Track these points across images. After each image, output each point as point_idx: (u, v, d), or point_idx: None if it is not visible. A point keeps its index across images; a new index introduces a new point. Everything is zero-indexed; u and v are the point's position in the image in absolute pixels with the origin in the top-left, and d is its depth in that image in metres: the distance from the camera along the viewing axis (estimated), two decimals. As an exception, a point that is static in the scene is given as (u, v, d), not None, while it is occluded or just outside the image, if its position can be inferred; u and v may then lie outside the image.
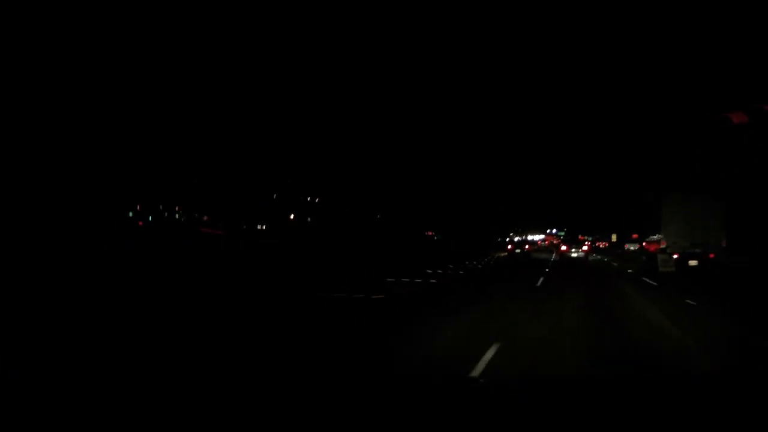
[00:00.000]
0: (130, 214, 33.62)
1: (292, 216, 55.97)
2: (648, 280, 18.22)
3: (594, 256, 48.59)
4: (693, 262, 19.67)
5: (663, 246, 20.80)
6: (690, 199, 20.43)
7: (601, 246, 77.81)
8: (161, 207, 41.03)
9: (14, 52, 18.88)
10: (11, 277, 11.28)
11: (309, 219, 57.23)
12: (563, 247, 57.02)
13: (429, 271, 20.86)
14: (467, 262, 30.62)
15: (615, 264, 33.42)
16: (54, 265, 14.22)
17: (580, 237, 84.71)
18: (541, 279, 19.54)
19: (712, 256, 19.48)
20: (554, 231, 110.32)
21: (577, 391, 2.42)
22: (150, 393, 2.05)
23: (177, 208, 45.59)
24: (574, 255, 48.41)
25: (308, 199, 56.96)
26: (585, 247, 54.39)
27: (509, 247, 68.50)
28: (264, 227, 49.47)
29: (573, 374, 5.54)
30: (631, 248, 59.11)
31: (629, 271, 23.87)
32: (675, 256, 19.86)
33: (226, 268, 17.95)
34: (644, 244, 35.83)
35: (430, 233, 70.34)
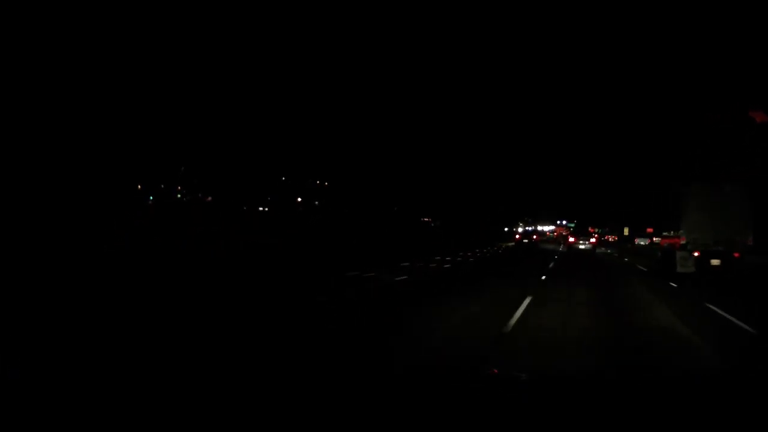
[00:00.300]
0: (138, 187, 33.80)
1: (299, 199, 56.23)
2: (721, 311, 10.63)
3: (604, 250, 48.45)
4: (715, 262, 17.88)
5: (683, 242, 18.80)
6: (714, 191, 18.55)
7: (610, 240, 77.33)
8: (162, 186, 41.18)
9: (11, 47, 18.97)
10: (11, 278, 11.44)
11: (316, 203, 57.39)
12: (571, 239, 57.20)
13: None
14: (443, 258, 26.73)
15: (640, 267, 25.21)
16: (55, 266, 14.34)
17: (590, 229, 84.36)
18: (528, 301, 11.50)
19: (737, 255, 17.77)
20: (564, 222, 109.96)
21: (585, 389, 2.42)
22: (150, 393, 2.09)
23: (179, 188, 45.77)
24: (581, 247, 48.61)
25: (317, 182, 57.15)
26: (593, 240, 54.46)
27: (516, 237, 68.88)
28: (266, 209, 49.69)
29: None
30: (642, 243, 58.64)
31: (672, 284, 16.48)
32: (696, 254, 18.00)
33: (226, 268, 18.10)
34: (660, 239, 34.73)
35: (428, 219, 68.98)
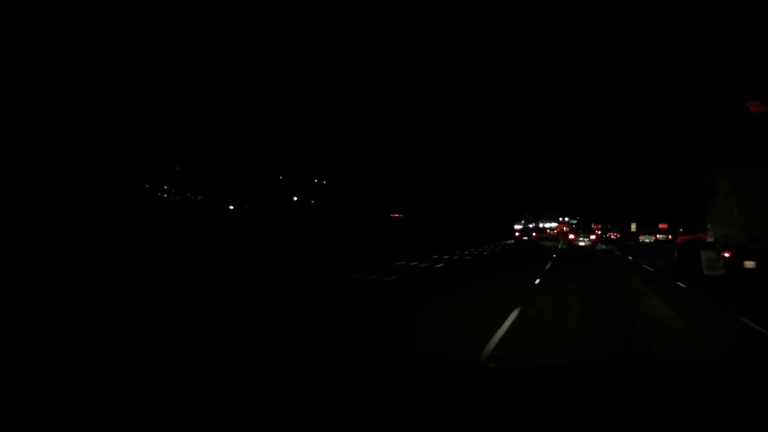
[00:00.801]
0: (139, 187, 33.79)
1: (295, 198, 56.37)
2: None
3: (605, 247, 48.62)
4: (750, 264, 15.18)
5: (710, 240, 16.02)
6: (748, 175, 15.87)
7: (612, 237, 77.38)
8: (148, 186, 41.10)
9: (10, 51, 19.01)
10: (12, 278, 11.46)
11: (313, 202, 57.49)
12: (571, 236, 57.39)
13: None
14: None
15: (647, 267, 22.28)
16: (57, 265, 14.38)
17: (593, 226, 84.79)
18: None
19: None
20: (566, 219, 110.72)
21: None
22: (150, 393, 2.11)
23: (165, 187, 45.77)
24: (581, 244, 48.72)
25: (315, 181, 57.32)
26: (593, 237, 54.66)
27: (516, 234, 69.53)
28: (264, 209, 49.80)
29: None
30: (646, 240, 58.71)
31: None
32: (726, 255, 15.44)
33: (226, 268, 18.17)
34: (670, 236, 33.92)
35: (398, 215, 67.30)
